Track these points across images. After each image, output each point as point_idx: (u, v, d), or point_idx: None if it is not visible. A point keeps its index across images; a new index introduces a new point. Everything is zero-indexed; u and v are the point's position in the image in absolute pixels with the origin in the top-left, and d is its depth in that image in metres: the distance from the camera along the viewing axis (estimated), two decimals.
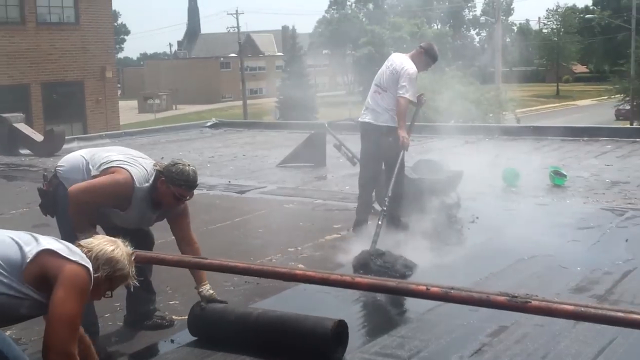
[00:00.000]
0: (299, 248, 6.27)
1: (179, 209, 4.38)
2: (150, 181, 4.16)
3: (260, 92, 66.08)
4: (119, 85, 43.43)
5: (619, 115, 43.47)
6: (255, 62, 69.61)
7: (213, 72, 64.67)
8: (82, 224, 4.02)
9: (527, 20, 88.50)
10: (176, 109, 55.07)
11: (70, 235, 3.80)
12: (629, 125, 32.00)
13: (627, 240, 6.21)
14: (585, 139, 12.82)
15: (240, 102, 52.26)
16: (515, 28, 77.73)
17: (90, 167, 4.17)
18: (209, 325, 4.32)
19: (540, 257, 5.79)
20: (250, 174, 10.49)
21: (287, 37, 61.30)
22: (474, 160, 10.59)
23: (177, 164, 4.18)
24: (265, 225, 7.26)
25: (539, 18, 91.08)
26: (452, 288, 3.69)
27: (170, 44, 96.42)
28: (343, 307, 4.74)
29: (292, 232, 6.91)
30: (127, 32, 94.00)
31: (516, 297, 3.46)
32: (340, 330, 4.05)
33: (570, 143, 12.53)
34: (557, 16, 72.12)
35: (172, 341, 4.36)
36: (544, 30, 73.24)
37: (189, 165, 4.20)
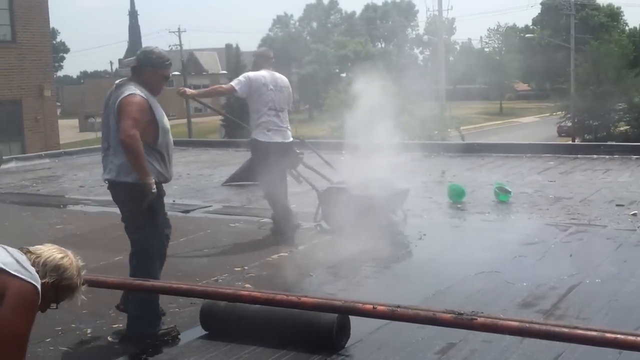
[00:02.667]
0: (246, 267, 6.17)
1: None
2: (135, 82, 4.54)
3: (205, 110, 65.63)
4: (58, 104, 42.58)
5: (561, 132, 44.51)
6: (199, 80, 69.18)
7: None
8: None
9: (470, 39, 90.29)
10: None
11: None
12: (570, 142, 32.75)
13: (571, 255, 6.29)
14: (528, 155, 13.03)
15: (184, 120, 51.80)
16: (457, 47, 79.11)
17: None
18: (219, 319, 4.54)
19: (487, 273, 5.81)
20: (195, 193, 10.34)
21: (230, 55, 61.17)
22: (419, 177, 10.68)
23: (147, 50, 4.66)
24: (211, 244, 7.14)
25: (481, 37, 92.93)
26: (399, 306, 3.67)
27: (111, 61, 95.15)
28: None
29: (239, 251, 6.81)
30: (67, 50, 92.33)
31: (462, 314, 3.46)
32: (343, 322, 4.30)
33: (513, 159, 12.72)
34: (499, 35, 73.70)
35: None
36: (486, 49, 74.74)
37: (156, 47, 4.69)
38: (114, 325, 4.84)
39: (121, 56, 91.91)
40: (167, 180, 4.72)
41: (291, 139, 7.25)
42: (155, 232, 4.65)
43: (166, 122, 4.65)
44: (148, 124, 4.50)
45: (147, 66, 4.59)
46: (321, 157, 8.14)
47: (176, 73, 67.38)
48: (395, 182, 8.04)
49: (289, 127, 7.23)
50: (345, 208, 7.13)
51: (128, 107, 4.43)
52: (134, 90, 4.49)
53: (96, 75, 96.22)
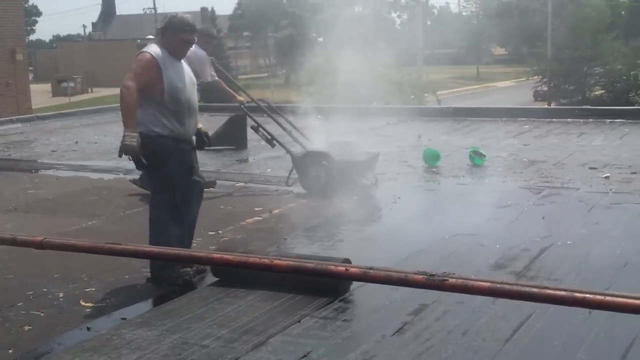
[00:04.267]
0: (220, 232, 6.16)
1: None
2: (157, 44, 4.85)
3: None
4: (30, 69, 41.90)
5: (537, 96, 44.60)
6: None
7: (130, 54, 62.94)
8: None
9: (447, 3, 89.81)
10: (92, 92, 53.56)
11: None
12: (546, 106, 32.87)
13: (543, 218, 6.34)
14: (504, 119, 13.08)
15: None
16: (435, 11, 78.79)
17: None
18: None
19: (461, 235, 5.84)
20: None
21: (206, 18, 60.29)
22: (395, 142, 10.69)
23: (172, 15, 4.93)
24: None
25: (459, 1, 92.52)
26: (371, 268, 3.67)
27: (84, 25, 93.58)
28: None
29: (213, 215, 6.78)
30: (39, 14, 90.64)
31: (434, 275, 3.46)
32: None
33: (489, 123, 12.76)
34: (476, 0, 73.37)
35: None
36: (464, 14, 74.53)
37: (182, 13, 4.96)
38: (87, 290, 4.82)
39: (95, 20, 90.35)
40: (179, 137, 4.90)
41: None
42: (165, 193, 4.87)
43: (179, 80, 4.89)
44: (156, 81, 4.77)
45: (169, 29, 4.88)
46: (279, 123, 8.05)
47: (150, 37, 66.51)
48: (363, 146, 8.07)
49: None
50: (325, 172, 7.14)
51: (135, 64, 4.80)
52: (148, 49, 4.84)
53: (69, 39, 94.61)
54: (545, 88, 43.14)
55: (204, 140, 5.26)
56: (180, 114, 4.87)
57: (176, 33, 4.88)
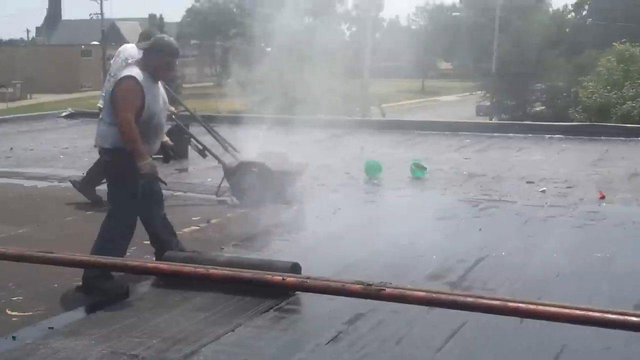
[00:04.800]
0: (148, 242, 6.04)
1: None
2: (137, 66, 4.84)
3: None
4: None
5: (480, 111, 45.43)
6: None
7: (73, 60, 61.96)
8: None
9: (397, 16, 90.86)
10: (31, 98, 52.49)
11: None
12: (488, 121, 33.47)
13: (480, 230, 6.42)
14: (447, 133, 13.24)
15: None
16: (384, 24, 79.50)
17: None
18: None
19: (399, 246, 5.88)
20: None
21: (154, 26, 59.78)
22: (338, 153, 10.71)
23: (159, 37, 5.01)
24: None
25: (408, 15, 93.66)
26: (309, 277, 3.66)
27: (27, 29, 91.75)
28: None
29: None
30: None
31: (371, 285, 3.48)
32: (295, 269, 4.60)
33: (432, 137, 12.90)
34: (426, 13, 74.34)
35: None
36: (412, 27, 75.35)
37: (166, 35, 5.07)
38: (14, 298, 4.68)
39: (39, 24, 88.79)
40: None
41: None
42: (127, 206, 4.97)
43: (156, 105, 4.92)
44: (138, 106, 4.79)
45: (154, 51, 4.89)
46: (212, 133, 8.03)
47: (95, 43, 65.54)
48: (292, 157, 8.13)
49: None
50: (259, 182, 7.11)
51: (121, 90, 4.78)
52: (130, 72, 4.81)
53: (12, 43, 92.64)
54: (487, 103, 43.95)
55: (169, 154, 5.50)
56: (149, 134, 4.90)
57: (161, 56, 4.88)
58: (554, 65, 42.76)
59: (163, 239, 5.24)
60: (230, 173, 7.44)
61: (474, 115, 44.14)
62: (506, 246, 5.85)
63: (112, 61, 7.44)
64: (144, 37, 7.42)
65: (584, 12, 59.78)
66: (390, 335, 4.06)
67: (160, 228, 5.24)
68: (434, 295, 3.49)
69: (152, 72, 4.87)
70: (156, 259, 5.10)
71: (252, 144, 8.13)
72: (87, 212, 7.23)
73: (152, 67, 4.87)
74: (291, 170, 7.66)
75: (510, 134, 13.06)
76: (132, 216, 5.00)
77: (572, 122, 26.85)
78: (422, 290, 3.55)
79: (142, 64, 4.91)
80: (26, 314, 4.42)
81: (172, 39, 5.01)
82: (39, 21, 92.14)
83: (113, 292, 4.75)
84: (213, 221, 6.78)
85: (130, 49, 7.37)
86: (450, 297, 3.49)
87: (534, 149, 11.40)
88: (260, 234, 6.32)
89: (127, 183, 4.89)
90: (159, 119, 4.99)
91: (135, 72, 4.80)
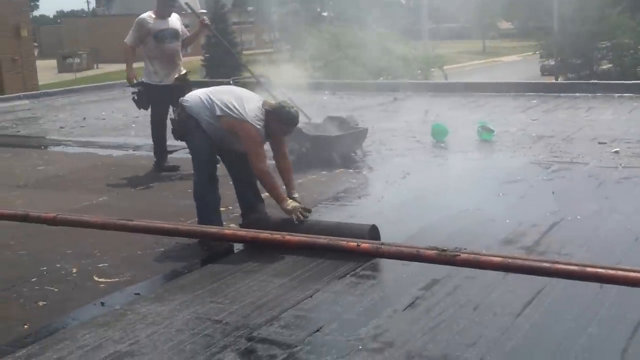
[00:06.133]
0: (230, 207, 6.15)
1: None
2: (262, 120, 5.09)
3: (185, 50, 64.67)
4: (35, 44, 41.73)
5: (544, 71, 44.32)
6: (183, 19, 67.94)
7: None
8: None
9: None
10: (97, 68, 53.43)
11: (196, 152, 5.27)
12: (554, 81, 32.68)
13: (553, 193, 6.34)
14: (511, 94, 13.02)
15: None
16: None
17: (217, 108, 5.11)
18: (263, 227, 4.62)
19: (470, 211, 5.85)
20: None
21: None
22: (402, 117, 10.66)
23: (284, 107, 5.16)
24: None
25: None
26: (383, 243, 3.70)
27: (87, 1, 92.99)
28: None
29: (223, 191, 6.77)
30: None
31: (445, 250, 3.49)
32: (374, 234, 4.82)
33: (497, 98, 12.70)
34: None
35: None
36: None
37: (292, 107, 5.24)
38: (100, 265, 4.85)
39: None
40: None
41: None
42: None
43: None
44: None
45: (276, 116, 5.12)
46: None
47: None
48: (357, 121, 8.21)
49: None
50: (299, 147, 7.25)
51: (249, 138, 5.07)
52: (253, 122, 5.07)
53: (73, 14, 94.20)
54: (552, 63, 42.82)
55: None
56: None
57: (282, 124, 5.15)
58: (618, 22, 41.31)
59: (251, 202, 5.48)
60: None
61: (538, 75, 43.13)
62: (581, 209, 5.76)
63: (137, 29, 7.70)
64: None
65: None
66: (467, 301, 4.07)
67: (249, 191, 5.47)
68: (509, 260, 3.49)
69: (268, 129, 5.15)
70: (242, 220, 5.44)
71: (315, 109, 8.18)
72: (164, 180, 7.42)
73: (270, 127, 5.14)
74: (338, 136, 7.69)
75: (577, 94, 12.76)
76: (206, 164, 5.27)
77: None
78: (498, 256, 3.55)
79: (264, 120, 5.12)
80: (112, 280, 4.58)
81: (294, 110, 5.23)
82: None
83: (218, 248, 5.04)
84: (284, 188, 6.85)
85: (148, 19, 7.68)
86: (527, 263, 3.48)
87: (604, 108, 11.13)
88: (330, 199, 6.37)
89: (196, 138, 5.22)
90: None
91: (260, 124, 5.08)
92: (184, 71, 7.84)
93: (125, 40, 7.73)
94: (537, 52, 45.19)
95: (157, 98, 7.60)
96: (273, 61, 8.69)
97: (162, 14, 7.67)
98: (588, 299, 3.99)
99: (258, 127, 5.06)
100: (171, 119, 5.55)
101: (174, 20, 7.76)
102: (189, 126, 5.20)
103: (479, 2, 67.12)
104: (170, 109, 6.82)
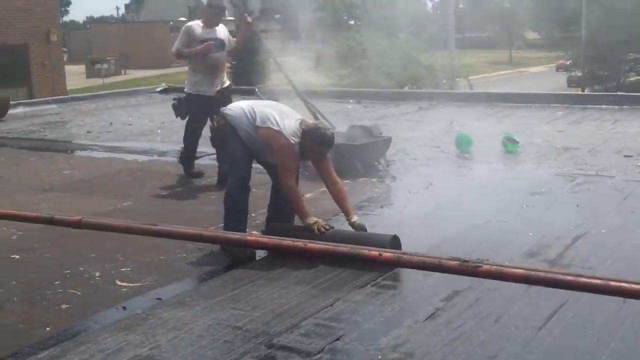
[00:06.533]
0: (253, 214, 6.17)
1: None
2: (298, 137, 5.13)
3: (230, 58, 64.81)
4: (65, 49, 42.27)
5: (571, 82, 44.00)
6: None
7: (162, 36, 63.14)
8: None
9: None
10: (125, 74, 53.97)
11: (232, 159, 5.33)
12: (580, 92, 32.43)
13: (577, 206, 6.29)
14: (537, 105, 12.94)
15: None
16: None
17: (257, 118, 5.19)
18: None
19: (493, 222, 5.83)
20: (203, 140, 10.29)
21: (239, 2, 60.19)
22: (427, 127, 10.64)
23: (320, 129, 5.21)
24: (219, 191, 7.15)
25: None
26: (405, 253, 3.68)
27: (117, 7, 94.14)
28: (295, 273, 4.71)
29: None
30: None
31: (467, 261, 3.47)
32: (395, 244, 4.83)
33: (522, 109, 12.64)
34: None
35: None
36: None
37: (328, 129, 5.31)
38: (122, 269, 4.90)
39: (128, 1, 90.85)
40: None
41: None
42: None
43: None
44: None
45: (310, 138, 5.16)
46: (308, 107, 8.12)
47: (182, 19, 66.52)
48: (381, 130, 8.21)
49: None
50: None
51: (281, 151, 5.13)
52: (287, 134, 5.11)
53: (102, 20, 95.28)
54: (579, 74, 42.48)
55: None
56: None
57: (316, 144, 5.17)
58: None
59: (282, 208, 5.49)
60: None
61: (565, 87, 42.84)
62: (606, 223, 5.71)
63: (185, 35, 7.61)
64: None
65: None
66: (489, 314, 4.05)
67: (283, 196, 5.46)
68: (532, 273, 3.45)
69: (302, 148, 5.18)
70: (265, 226, 5.51)
71: (340, 118, 8.19)
72: (188, 186, 7.47)
73: (304, 147, 5.18)
74: (361, 145, 7.68)
75: (604, 106, 12.65)
76: (241, 171, 5.33)
77: None
78: (521, 268, 3.53)
79: (300, 140, 5.16)
80: (134, 284, 4.61)
81: (330, 132, 5.27)
82: None
83: (240, 254, 5.07)
84: (307, 195, 6.85)
85: (196, 27, 7.58)
86: (550, 276, 3.44)
87: (630, 120, 11.03)
88: (353, 208, 6.35)
89: (233, 145, 5.32)
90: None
91: (295, 140, 5.12)
92: (227, 83, 7.73)
93: (172, 50, 7.71)
94: (555, 64, 44.75)
95: (197, 108, 7.54)
96: (299, 69, 8.71)
97: (210, 24, 7.59)
98: (611, 314, 3.95)
99: (293, 142, 5.10)
100: (210, 128, 5.64)
101: (221, 31, 7.67)
102: (228, 134, 5.31)
103: (506, 11, 66.95)
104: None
